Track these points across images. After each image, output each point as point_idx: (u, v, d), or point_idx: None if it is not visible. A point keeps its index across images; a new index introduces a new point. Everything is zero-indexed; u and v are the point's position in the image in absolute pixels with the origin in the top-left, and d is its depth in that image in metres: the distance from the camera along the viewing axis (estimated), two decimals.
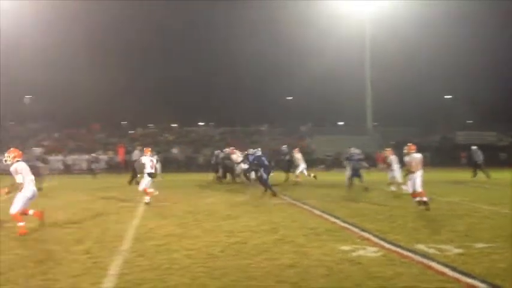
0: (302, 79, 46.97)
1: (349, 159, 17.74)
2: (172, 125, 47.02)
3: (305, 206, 12.50)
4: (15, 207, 8.79)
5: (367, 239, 8.08)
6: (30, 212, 9.21)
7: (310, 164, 32.67)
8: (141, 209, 12.37)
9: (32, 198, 9.09)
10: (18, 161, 8.96)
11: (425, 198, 11.51)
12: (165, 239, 8.12)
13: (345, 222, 9.81)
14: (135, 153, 23.88)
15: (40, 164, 18.39)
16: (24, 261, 6.53)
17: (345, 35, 44.43)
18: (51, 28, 43.39)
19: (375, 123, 47.77)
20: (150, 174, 13.86)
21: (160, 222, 9.87)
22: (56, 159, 34.59)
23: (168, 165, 25.45)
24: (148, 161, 14.02)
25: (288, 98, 53.82)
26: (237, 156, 21.46)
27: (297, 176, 21.04)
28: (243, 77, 51.62)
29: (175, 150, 38.73)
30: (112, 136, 42.40)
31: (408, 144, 12.38)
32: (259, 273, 5.94)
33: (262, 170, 16.27)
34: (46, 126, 44.18)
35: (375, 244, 7.68)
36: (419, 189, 11.63)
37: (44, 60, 44.81)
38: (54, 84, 46.27)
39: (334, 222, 9.87)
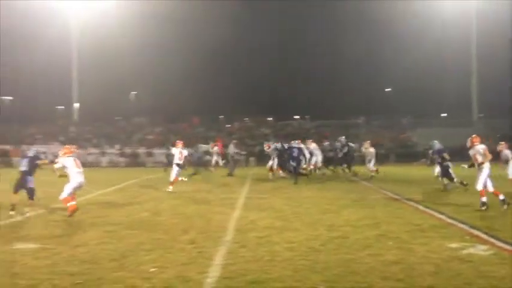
0: (402, 69, 45.38)
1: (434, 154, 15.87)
2: (268, 119, 47.42)
3: (408, 201, 12.08)
4: (63, 194, 10.09)
5: (477, 236, 7.66)
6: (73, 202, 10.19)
7: (412, 158, 31.66)
8: (241, 201, 12.62)
9: (77, 188, 10.42)
10: (68, 156, 10.56)
11: (501, 197, 10.53)
12: (265, 231, 8.22)
13: (451, 218, 9.36)
14: (231, 147, 24.49)
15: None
16: (136, 249, 6.90)
17: (447, 24, 42.41)
18: (154, 26, 45.42)
19: (480, 115, 45.07)
20: (178, 165, 15.46)
21: (260, 215, 10.02)
22: (160, 153, 36.27)
23: (264, 158, 25.81)
24: (178, 152, 15.51)
25: (386, 89, 52.25)
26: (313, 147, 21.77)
27: (371, 171, 20.35)
28: (339, 69, 50.83)
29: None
30: (210, 130, 43.65)
31: (472, 136, 11.41)
32: (362, 269, 5.84)
33: (290, 160, 18.58)
34: (150, 120, 46.50)
35: (485, 242, 7.27)
36: (491, 188, 10.66)
37: (149, 57, 47.18)
38: (158, 81, 48.58)
39: (440, 219, 9.44)
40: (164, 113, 46.82)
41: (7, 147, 37.96)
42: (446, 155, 14.41)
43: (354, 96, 49.23)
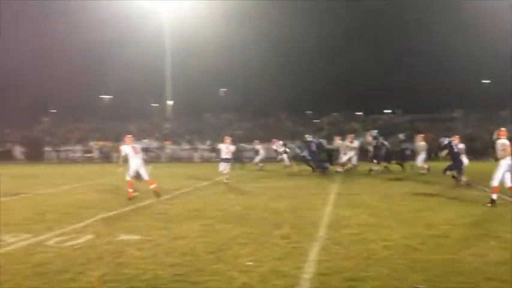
0: (500, 60, 42.68)
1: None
2: (357, 113, 46.60)
3: (509, 198, 11.34)
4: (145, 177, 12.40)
5: None
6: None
7: None
8: (332, 196, 12.51)
9: (135, 170, 12.33)
10: (128, 144, 12.56)
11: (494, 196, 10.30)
12: (359, 228, 8.08)
13: None
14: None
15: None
16: (232, 243, 7.06)
17: None
18: (242, 23, 46.25)
19: None
20: (224, 159, 17.07)
21: (353, 211, 9.87)
22: (248, 148, 36.91)
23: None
24: (224, 147, 17.19)
25: (484, 81, 49.41)
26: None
27: (422, 168, 19.66)
28: (434, 61, 48.89)
29: (361, 139, 38.18)
30: (298, 125, 43.70)
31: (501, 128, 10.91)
32: (465, 269, 5.58)
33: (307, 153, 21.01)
34: (238, 116, 47.43)
35: None
36: (509, 183, 10.41)
37: (237, 54, 48.07)
38: (247, 77, 49.36)
39: None
40: (252, 109, 47.50)
41: (108, 143, 40.35)
42: None
43: (450, 88, 47.05)
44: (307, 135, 22.62)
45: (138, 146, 13.04)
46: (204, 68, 46.04)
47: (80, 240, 7.26)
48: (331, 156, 22.61)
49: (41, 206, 10.95)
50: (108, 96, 58.38)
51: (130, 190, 12.25)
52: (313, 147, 21.12)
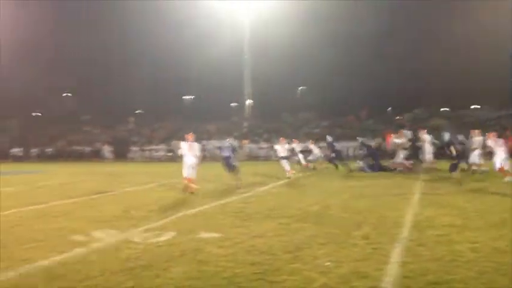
0: None
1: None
2: (443, 109, 44.75)
3: None
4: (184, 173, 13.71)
5: None
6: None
7: None
8: (416, 196, 12.07)
9: (190, 167, 13.59)
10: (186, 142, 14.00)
11: None
12: (444, 229, 7.73)
13: None
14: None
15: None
16: (310, 242, 7.00)
17: None
18: (318, 21, 45.82)
19: None
20: (283, 157, 18.83)
21: (438, 211, 9.45)
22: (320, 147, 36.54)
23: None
24: (280, 147, 19.18)
25: None
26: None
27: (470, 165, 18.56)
28: None
29: (446, 136, 36.48)
30: (379, 123, 42.73)
31: None
32: None
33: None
34: (316, 115, 47.15)
35: None
36: None
37: (315, 52, 47.70)
38: (324, 75, 48.83)
39: None
40: (331, 107, 46.99)
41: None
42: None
43: None
44: (328, 136, 23.38)
45: (195, 144, 14.19)
46: (282, 66, 46.13)
47: (164, 238, 7.50)
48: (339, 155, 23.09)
49: (127, 204, 11.44)
50: (190, 97, 60.12)
51: (192, 185, 13.53)
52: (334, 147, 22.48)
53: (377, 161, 21.53)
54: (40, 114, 60.70)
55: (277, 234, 7.60)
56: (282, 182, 16.90)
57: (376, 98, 46.56)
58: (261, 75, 47.60)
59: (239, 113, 52.66)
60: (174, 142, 43.23)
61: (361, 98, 46.68)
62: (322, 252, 6.43)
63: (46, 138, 50.90)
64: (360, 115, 45.46)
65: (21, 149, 45.89)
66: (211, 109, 51.31)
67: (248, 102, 51.71)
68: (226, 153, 14.92)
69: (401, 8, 46.54)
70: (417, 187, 14.28)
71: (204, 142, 40.92)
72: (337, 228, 7.96)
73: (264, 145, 40.97)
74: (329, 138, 22.38)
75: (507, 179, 15.18)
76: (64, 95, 63.22)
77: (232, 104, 56.37)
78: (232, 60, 49.73)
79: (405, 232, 7.60)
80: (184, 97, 60.56)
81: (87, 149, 46.65)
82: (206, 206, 10.75)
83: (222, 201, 11.52)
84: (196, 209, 10.32)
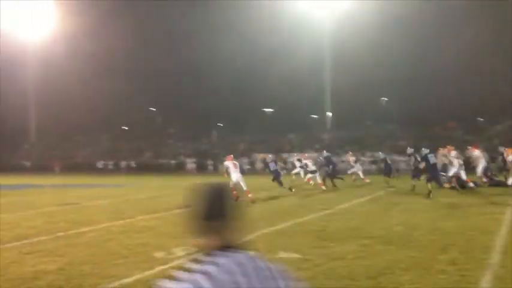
0: None
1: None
2: None
3: None
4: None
5: None
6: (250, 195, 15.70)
7: None
8: (507, 216, 11.32)
9: (237, 183, 15.67)
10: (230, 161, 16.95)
11: None
12: None
13: None
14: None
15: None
16: (393, 267, 6.72)
17: None
18: (402, 29, 44.60)
19: None
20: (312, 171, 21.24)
21: None
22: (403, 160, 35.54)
23: None
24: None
25: None
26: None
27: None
28: None
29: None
30: (468, 134, 40.73)
31: None
32: None
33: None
34: (401, 126, 45.74)
35: None
36: None
37: (398, 62, 46.46)
38: (409, 85, 47.39)
39: None
40: (416, 118, 45.43)
41: (269, 155, 41.79)
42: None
43: None
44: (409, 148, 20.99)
45: (237, 163, 17.32)
46: (364, 76, 45.37)
47: None
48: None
49: None
50: (270, 110, 60.70)
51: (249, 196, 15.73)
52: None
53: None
54: (127, 128, 63.73)
55: (358, 257, 7.40)
56: (364, 198, 16.49)
57: (465, 108, 44.49)
58: (343, 85, 47.04)
59: (319, 125, 52.34)
60: (254, 155, 43.76)
61: (449, 108, 44.80)
62: (406, 278, 6.17)
63: (133, 152, 53.30)
64: (446, 126, 43.58)
65: (111, 162, 48.30)
66: (291, 121, 51.41)
67: (328, 114, 51.28)
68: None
69: (496, 21, 44.27)
70: (509, 206, 13.38)
71: (285, 155, 41.09)
72: (423, 252, 7.62)
73: (346, 158, 40.33)
74: (409, 150, 20.75)
75: None
76: (150, 109, 66.11)
77: (312, 116, 56.19)
78: (312, 71, 49.67)
79: (495, 257, 7.12)
80: (264, 109, 61.25)
81: (172, 162, 48.21)
82: (285, 224, 10.69)
83: (302, 219, 11.41)
84: (275, 227, 10.27)
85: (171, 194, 19.97)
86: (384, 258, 7.31)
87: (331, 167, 21.70)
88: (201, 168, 44.99)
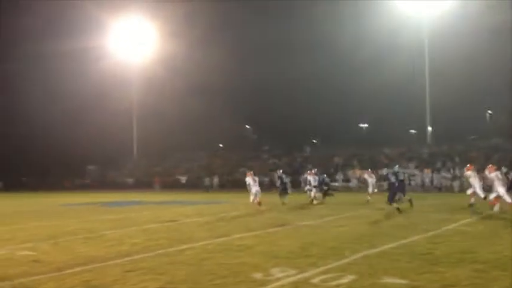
0: None
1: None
2: None
3: None
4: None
5: None
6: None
7: None
8: None
9: (255, 194, 20.52)
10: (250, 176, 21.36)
11: None
12: None
13: None
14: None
15: None
16: None
17: None
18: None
19: None
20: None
21: None
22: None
23: None
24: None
25: None
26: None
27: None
28: None
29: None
30: None
31: None
32: None
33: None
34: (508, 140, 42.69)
35: None
36: None
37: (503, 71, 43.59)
38: None
39: None
40: None
41: (365, 172, 40.66)
42: None
43: None
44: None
45: (256, 178, 21.37)
46: (466, 88, 42.98)
47: (344, 280, 7.13)
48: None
49: (305, 239, 11.32)
50: (365, 125, 59.46)
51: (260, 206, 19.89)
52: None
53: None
54: (221, 145, 65.27)
55: (472, 284, 6.76)
56: (471, 218, 15.34)
57: None
58: (443, 99, 44.92)
59: (418, 140, 50.25)
60: (351, 172, 42.70)
61: None
62: None
63: (228, 168, 54.31)
64: None
65: (208, 178, 49.34)
66: (387, 135, 49.94)
67: (429, 128, 49.05)
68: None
69: None
70: None
71: (385, 170, 39.70)
72: None
73: (446, 174, 38.30)
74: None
75: None
76: (246, 126, 67.35)
77: (411, 131, 54.17)
78: (410, 84, 47.98)
79: None
80: (360, 125, 60.12)
81: (265, 178, 48.18)
82: (389, 246, 10.10)
83: (405, 241, 10.73)
84: (379, 249, 9.71)
85: (265, 211, 19.91)
86: (501, 284, 6.61)
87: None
88: (293, 184, 44.61)
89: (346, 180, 42.06)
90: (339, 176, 42.97)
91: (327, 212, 18.50)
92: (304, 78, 55.54)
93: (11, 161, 61.48)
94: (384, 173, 23.86)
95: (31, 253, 9.90)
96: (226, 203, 26.41)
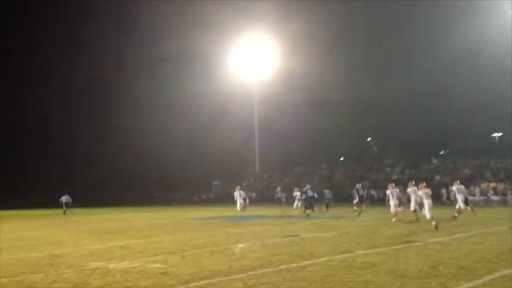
0: None
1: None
2: None
3: None
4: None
5: None
6: None
7: None
8: None
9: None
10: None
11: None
12: None
13: None
14: None
15: None
16: None
17: None
18: None
19: None
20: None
21: None
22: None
23: None
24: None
25: None
26: None
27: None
28: None
29: None
30: None
31: None
32: None
33: None
34: None
35: None
36: None
37: None
38: None
39: None
40: None
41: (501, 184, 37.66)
42: None
43: None
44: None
45: (243, 192, 25.92)
46: None
47: None
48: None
49: (434, 257, 10.66)
50: (498, 134, 55.33)
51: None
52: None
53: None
54: (342, 158, 64.48)
55: None
56: None
57: None
58: None
59: None
60: (486, 184, 39.62)
61: None
62: None
63: (349, 181, 53.40)
64: None
65: (328, 191, 48.78)
66: None
67: None
68: None
69: None
70: None
71: None
72: None
73: None
74: None
75: None
76: (368, 139, 66.08)
77: None
78: None
79: None
80: (493, 135, 56.16)
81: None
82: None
83: None
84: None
85: (390, 225, 19.18)
86: None
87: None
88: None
89: (484, 193, 38.88)
90: (474, 188, 39.83)
91: (458, 229, 17.32)
92: (426, 88, 53.24)
93: (143, 177, 66.32)
94: None
95: (161, 266, 10.43)
96: (348, 217, 25.88)
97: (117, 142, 70.63)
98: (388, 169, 54.48)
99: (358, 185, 28.64)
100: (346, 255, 11.38)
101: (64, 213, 40.83)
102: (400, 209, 22.47)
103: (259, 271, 9.44)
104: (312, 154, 62.03)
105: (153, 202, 60.55)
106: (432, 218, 17.56)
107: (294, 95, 59.06)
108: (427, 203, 18.12)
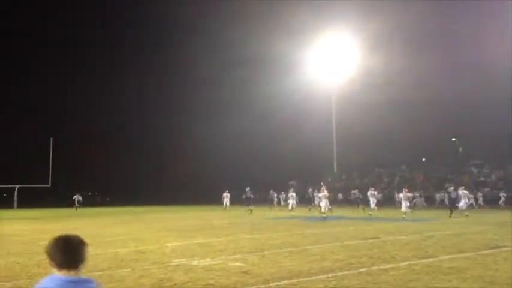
0: None
1: None
2: None
3: None
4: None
5: None
6: None
7: None
8: None
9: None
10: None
11: None
12: None
13: None
14: None
15: None
16: None
17: None
18: None
19: None
20: None
21: None
22: None
23: None
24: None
25: None
26: None
27: None
28: None
29: None
30: None
31: None
32: None
33: None
34: None
35: None
36: None
37: None
38: None
39: None
40: None
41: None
42: None
43: None
44: None
45: (228, 194, 29.51)
46: None
47: None
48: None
49: None
50: None
51: None
52: None
53: None
54: (425, 159, 62.31)
55: None
56: None
57: None
58: None
59: None
60: None
61: None
62: None
63: (431, 183, 51.50)
64: None
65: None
66: None
67: None
68: None
69: None
70: None
71: None
72: None
73: None
74: None
75: None
76: (453, 139, 63.55)
77: None
78: None
79: None
80: None
81: (479, 194, 44.00)
82: None
83: None
84: None
85: (478, 232, 18.27)
86: None
87: None
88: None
89: None
90: None
91: None
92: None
93: (231, 176, 67.94)
94: None
95: (241, 264, 10.57)
96: (432, 220, 24.92)
97: (205, 145, 73.52)
98: (475, 170, 51.95)
99: (450, 188, 27.36)
100: (431, 259, 10.95)
101: (76, 209, 45.30)
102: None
103: (339, 273, 9.30)
104: (392, 155, 60.42)
105: (231, 202, 61.62)
106: None
107: (374, 94, 57.82)
108: None
